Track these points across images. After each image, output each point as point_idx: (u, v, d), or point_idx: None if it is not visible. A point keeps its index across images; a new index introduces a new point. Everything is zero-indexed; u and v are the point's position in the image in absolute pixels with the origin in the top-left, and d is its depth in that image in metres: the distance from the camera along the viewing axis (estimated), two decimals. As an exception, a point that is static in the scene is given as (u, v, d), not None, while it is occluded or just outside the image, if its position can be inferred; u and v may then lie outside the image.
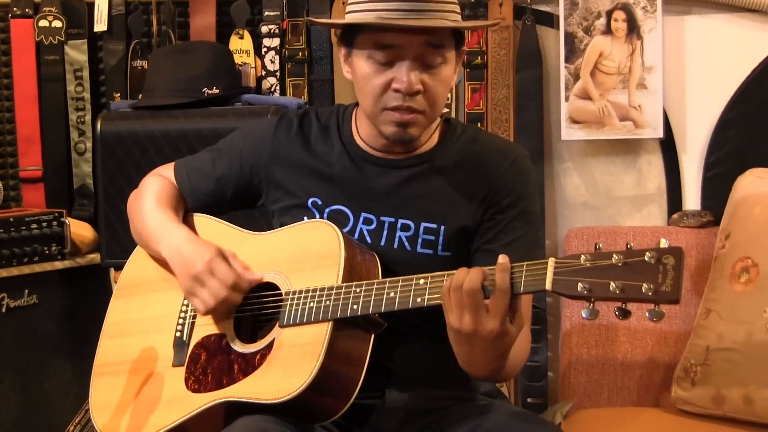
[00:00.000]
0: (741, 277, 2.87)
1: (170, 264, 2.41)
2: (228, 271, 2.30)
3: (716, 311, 2.89)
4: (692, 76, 3.49)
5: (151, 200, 2.55)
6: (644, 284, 1.84)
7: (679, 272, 1.83)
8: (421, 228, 2.34)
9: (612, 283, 1.87)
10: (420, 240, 2.35)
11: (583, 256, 1.90)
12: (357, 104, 2.44)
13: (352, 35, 2.30)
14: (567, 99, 3.50)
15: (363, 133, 2.42)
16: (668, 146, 3.52)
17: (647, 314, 1.86)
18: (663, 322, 3.03)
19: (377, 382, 2.24)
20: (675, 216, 3.42)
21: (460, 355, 2.09)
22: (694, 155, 3.50)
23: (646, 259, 1.85)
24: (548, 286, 1.93)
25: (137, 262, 2.59)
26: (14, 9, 3.80)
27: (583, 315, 1.91)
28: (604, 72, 3.46)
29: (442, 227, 2.34)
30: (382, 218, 2.36)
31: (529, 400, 3.53)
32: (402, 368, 2.33)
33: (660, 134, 3.45)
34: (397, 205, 2.36)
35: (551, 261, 1.95)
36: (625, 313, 1.88)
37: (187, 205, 2.59)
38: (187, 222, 2.55)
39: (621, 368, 3.15)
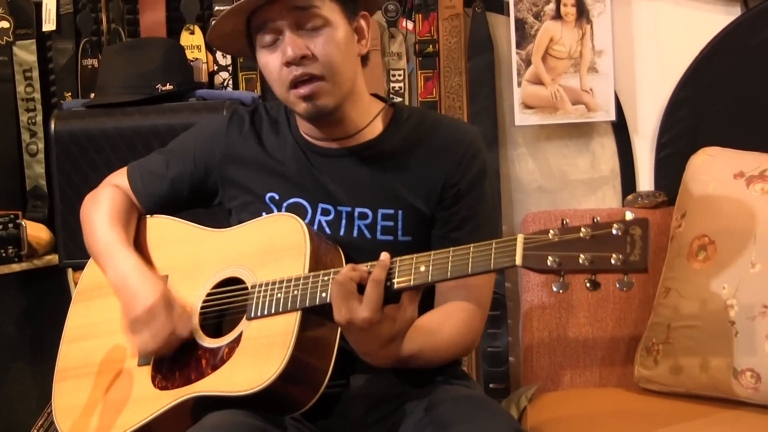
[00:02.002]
0: (699, 255, 2.89)
1: (115, 293, 2.40)
2: (164, 324, 2.30)
3: (676, 289, 2.91)
4: (642, 58, 3.52)
5: (102, 216, 2.53)
6: (613, 255, 1.86)
7: (646, 242, 1.85)
8: (379, 215, 2.36)
9: (581, 256, 1.88)
10: (379, 227, 2.36)
11: (551, 231, 1.92)
12: None
13: (252, 42, 2.35)
14: (519, 84, 3.51)
15: (302, 126, 2.43)
16: (620, 128, 3.54)
17: (617, 284, 1.88)
18: (622, 302, 3.12)
19: (342, 369, 2.24)
20: (629, 197, 3.45)
21: (353, 346, 2.14)
22: (646, 136, 3.53)
23: (614, 231, 1.87)
24: (518, 261, 1.94)
25: (96, 266, 2.57)
26: (-40, 11, 3.78)
27: (554, 288, 1.92)
28: (555, 57, 3.48)
29: (400, 212, 2.36)
30: (339, 208, 2.37)
31: (491, 385, 3.55)
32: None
33: (612, 117, 3.47)
34: (352, 193, 2.37)
35: (520, 237, 1.96)
36: (595, 285, 1.90)
37: (143, 209, 2.58)
38: (143, 226, 2.55)
39: (582, 350, 3.16)
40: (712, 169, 3.00)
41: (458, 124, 2.51)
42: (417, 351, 2.20)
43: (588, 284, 1.91)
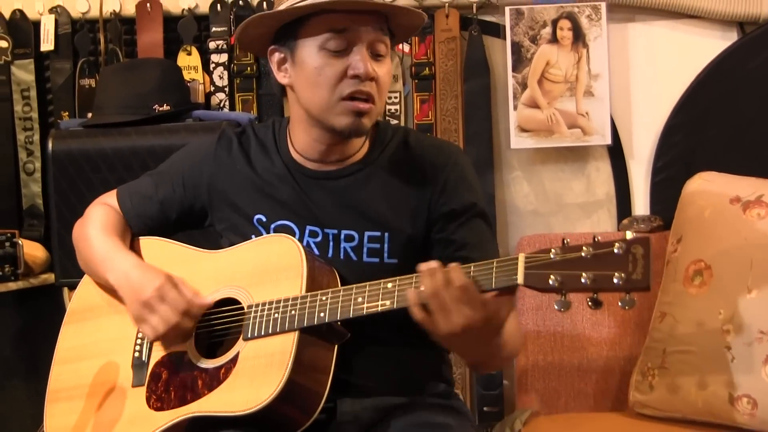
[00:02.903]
0: (695, 280, 2.90)
1: (119, 291, 2.40)
2: (178, 297, 2.29)
3: (671, 314, 2.91)
4: (638, 82, 3.54)
5: (96, 228, 2.53)
6: (615, 273, 1.87)
7: (648, 261, 1.87)
8: (365, 237, 2.36)
9: (583, 274, 1.89)
10: (365, 249, 2.36)
11: (552, 250, 1.93)
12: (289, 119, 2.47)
13: (294, 31, 2.31)
14: (515, 108, 3.52)
15: (298, 145, 2.43)
16: (616, 152, 3.56)
17: (619, 303, 1.89)
18: (617, 326, 3.12)
19: (330, 393, 2.22)
20: (625, 221, 3.46)
21: (463, 356, 2.19)
22: (642, 161, 3.54)
23: (615, 250, 1.88)
24: (520, 280, 1.95)
25: (88, 287, 2.57)
26: (-42, 30, 3.77)
27: (556, 307, 1.93)
28: (551, 80, 3.49)
29: (386, 234, 2.36)
30: (326, 230, 2.38)
31: (485, 408, 3.54)
32: (354, 378, 2.32)
33: (608, 141, 3.49)
34: (339, 216, 2.38)
35: (521, 256, 1.97)
36: (597, 303, 1.91)
37: (133, 230, 2.57)
38: (136, 247, 2.54)
39: (577, 374, 3.16)
40: (708, 194, 3.01)
41: (440, 144, 2.53)
42: (505, 339, 2.19)
43: (590, 302, 1.91)
